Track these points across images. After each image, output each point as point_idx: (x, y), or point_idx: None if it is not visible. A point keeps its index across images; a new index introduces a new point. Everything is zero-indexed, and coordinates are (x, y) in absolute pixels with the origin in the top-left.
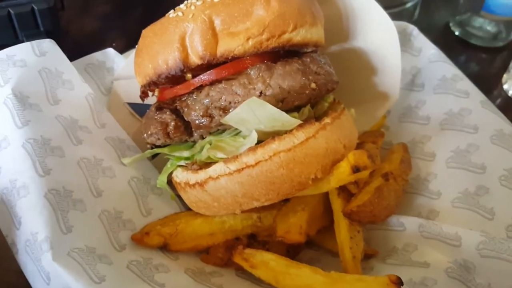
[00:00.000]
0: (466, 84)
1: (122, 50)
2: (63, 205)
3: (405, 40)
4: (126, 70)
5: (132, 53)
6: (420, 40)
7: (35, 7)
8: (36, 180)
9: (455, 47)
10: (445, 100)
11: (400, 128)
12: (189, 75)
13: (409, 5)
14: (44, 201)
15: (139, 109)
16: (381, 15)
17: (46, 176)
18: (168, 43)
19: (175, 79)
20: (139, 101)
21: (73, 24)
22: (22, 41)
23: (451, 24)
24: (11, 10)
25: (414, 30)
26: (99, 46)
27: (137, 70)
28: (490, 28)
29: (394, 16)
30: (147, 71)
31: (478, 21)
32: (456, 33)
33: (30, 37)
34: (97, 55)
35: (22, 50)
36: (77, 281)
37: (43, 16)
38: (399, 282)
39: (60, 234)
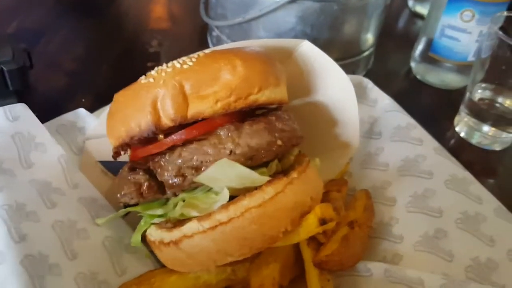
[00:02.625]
0: (420, 132)
1: (91, 105)
2: (39, 271)
3: (361, 93)
4: (97, 129)
5: (102, 112)
6: (375, 92)
7: (4, 68)
8: (11, 247)
9: (408, 92)
10: (401, 148)
11: (362, 174)
12: (161, 136)
13: (365, 54)
14: (20, 268)
15: (111, 167)
16: (337, 72)
17: (22, 242)
18: (140, 107)
19: (147, 140)
20: (111, 159)
21: (41, 81)
22: None
23: (412, 67)
24: None
25: (369, 83)
26: (69, 102)
27: (109, 132)
28: (444, 72)
29: (352, 65)
30: (119, 134)
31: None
32: (418, 77)
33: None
34: (68, 116)
35: None
36: None
37: (12, 77)
38: None
39: None
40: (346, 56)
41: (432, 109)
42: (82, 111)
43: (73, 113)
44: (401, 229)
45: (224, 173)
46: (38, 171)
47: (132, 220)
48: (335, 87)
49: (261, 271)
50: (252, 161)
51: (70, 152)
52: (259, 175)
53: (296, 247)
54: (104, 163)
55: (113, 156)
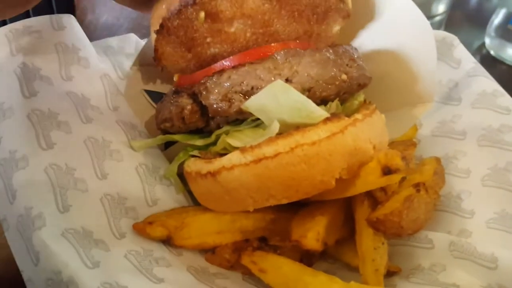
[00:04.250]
0: (507, 100)
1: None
2: (64, 182)
3: (443, 50)
4: (145, 56)
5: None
6: (460, 51)
7: None
8: (37, 153)
9: None
10: (484, 116)
11: (432, 142)
12: (202, 14)
13: (435, 19)
14: (43, 176)
15: (156, 98)
16: (418, 17)
17: (49, 149)
18: None
19: (189, 30)
20: (157, 89)
21: (87, 15)
22: None
23: (486, 42)
24: None
25: (454, 40)
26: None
27: (153, 17)
28: None
29: None
30: (160, 13)
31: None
32: (492, 52)
33: None
34: (117, 39)
35: (40, 22)
36: (67, 265)
37: (58, 5)
38: None
39: (56, 212)
40: None
41: (506, 87)
42: (132, 36)
43: (123, 37)
44: (473, 203)
45: (276, 99)
46: (77, 84)
47: (171, 156)
48: (413, 35)
49: (304, 222)
50: (310, 94)
51: (115, 75)
52: (317, 107)
53: (347, 206)
54: (149, 93)
55: (154, 58)
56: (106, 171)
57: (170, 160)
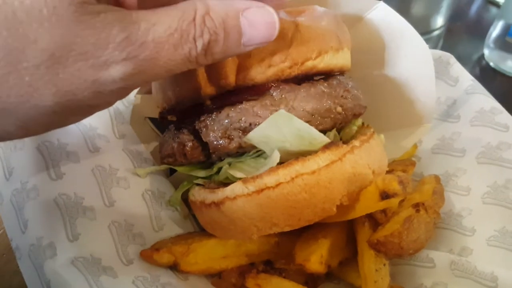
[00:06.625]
0: (506, 117)
1: None
2: (73, 211)
3: (440, 69)
4: (150, 84)
5: None
6: (457, 70)
7: None
8: (47, 183)
9: (480, 79)
10: (482, 133)
11: (432, 160)
12: (208, 102)
13: (434, 34)
14: (53, 205)
15: (160, 125)
16: (416, 41)
17: (58, 180)
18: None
19: (195, 105)
20: None
21: None
22: None
23: (485, 53)
24: None
25: (450, 58)
26: None
27: (155, 96)
28: None
29: None
30: (167, 97)
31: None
32: (491, 64)
33: None
34: None
35: None
36: None
37: None
38: None
39: (66, 241)
40: None
41: (505, 98)
42: None
43: None
44: (474, 221)
45: (278, 129)
46: None
47: (176, 182)
48: (411, 58)
49: (308, 246)
50: None
51: (120, 103)
52: (319, 133)
53: (349, 227)
54: (153, 120)
55: (160, 118)
56: (114, 199)
57: (175, 185)
